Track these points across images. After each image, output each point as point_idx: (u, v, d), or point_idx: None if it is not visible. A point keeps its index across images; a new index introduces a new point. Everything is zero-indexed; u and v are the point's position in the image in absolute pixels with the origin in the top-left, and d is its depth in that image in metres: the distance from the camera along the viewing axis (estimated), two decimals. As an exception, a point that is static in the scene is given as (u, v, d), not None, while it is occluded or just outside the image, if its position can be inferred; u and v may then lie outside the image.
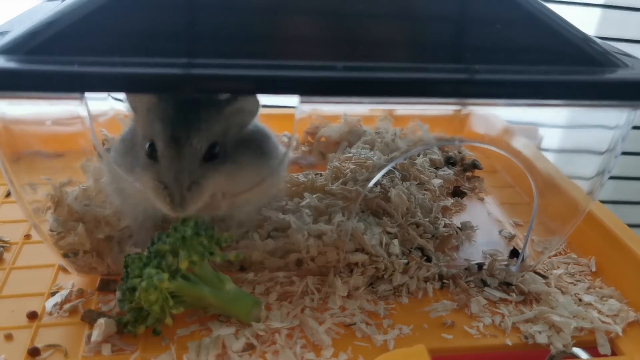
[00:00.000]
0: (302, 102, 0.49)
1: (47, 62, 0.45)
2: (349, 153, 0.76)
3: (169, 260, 0.52)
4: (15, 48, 0.46)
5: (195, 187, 0.52)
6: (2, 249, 0.65)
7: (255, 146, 0.59)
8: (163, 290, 0.51)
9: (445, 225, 0.71)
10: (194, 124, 0.53)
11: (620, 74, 0.52)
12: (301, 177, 0.70)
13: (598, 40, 0.55)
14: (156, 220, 0.59)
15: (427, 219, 0.70)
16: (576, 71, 0.51)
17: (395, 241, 0.63)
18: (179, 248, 0.52)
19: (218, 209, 0.58)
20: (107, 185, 0.60)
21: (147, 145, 0.53)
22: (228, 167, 0.55)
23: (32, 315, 0.55)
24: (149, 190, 0.53)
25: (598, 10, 1.09)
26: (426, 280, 0.63)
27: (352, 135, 0.85)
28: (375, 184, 0.71)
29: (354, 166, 0.70)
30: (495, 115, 0.68)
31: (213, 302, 0.54)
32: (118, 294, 0.55)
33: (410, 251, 0.65)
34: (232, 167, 0.55)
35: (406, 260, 0.63)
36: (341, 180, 0.68)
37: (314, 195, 0.65)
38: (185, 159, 0.52)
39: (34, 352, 0.51)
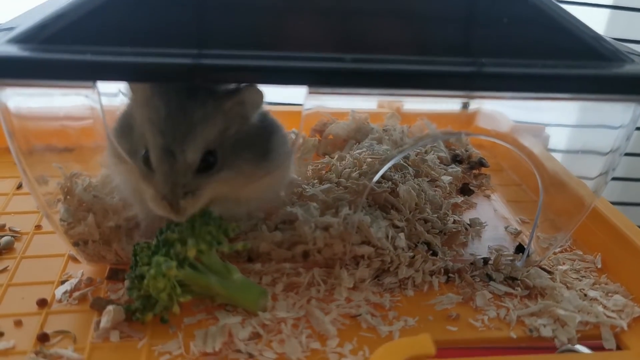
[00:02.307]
0: (310, 93, 0.50)
1: (60, 50, 0.46)
2: (362, 148, 0.76)
3: (177, 249, 0.53)
4: (28, 38, 0.47)
5: (191, 196, 0.52)
6: (13, 238, 0.66)
7: (258, 145, 0.57)
8: (171, 278, 0.52)
9: (454, 222, 0.72)
10: (187, 133, 0.51)
11: (627, 69, 0.52)
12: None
13: (609, 39, 0.56)
14: None
15: (436, 215, 0.70)
16: (584, 65, 0.52)
17: (402, 234, 0.64)
18: (187, 237, 0.53)
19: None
20: (113, 172, 0.60)
21: (142, 152, 0.53)
22: (224, 175, 0.54)
23: (42, 303, 0.56)
24: (147, 197, 0.53)
25: (607, 11, 1.09)
26: (432, 273, 0.63)
27: (359, 133, 0.85)
28: (387, 179, 0.71)
29: (371, 160, 0.70)
30: (503, 114, 0.68)
31: (220, 291, 0.55)
32: (127, 282, 0.55)
33: (416, 245, 0.65)
34: (229, 174, 0.54)
35: (412, 254, 0.63)
36: (358, 172, 0.69)
37: (320, 188, 0.65)
38: (179, 172, 0.52)
39: (43, 337, 0.52)
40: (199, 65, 0.47)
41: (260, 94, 0.55)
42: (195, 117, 0.52)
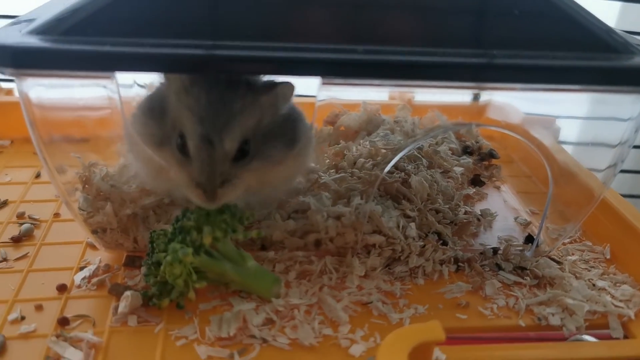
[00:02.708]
0: (323, 84, 0.51)
1: (79, 42, 0.47)
2: (376, 137, 0.77)
3: (193, 236, 0.54)
4: (48, 29, 0.48)
5: (227, 184, 0.53)
6: (32, 226, 0.68)
7: (286, 133, 0.57)
8: (187, 265, 0.53)
9: (465, 213, 0.72)
10: (227, 122, 0.52)
11: (638, 61, 0.52)
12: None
13: (619, 32, 0.56)
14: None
15: (448, 206, 0.71)
16: (594, 57, 0.52)
17: (412, 224, 0.65)
18: (203, 224, 0.54)
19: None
20: (134, 161, 0.61)
21: (177, 137, 0.53)
22: (258, 164, 0.55)
23: (62, 288, 0.58)
24: (181, 183, 0.54)
25: (618, 4, 1.09)
26: (442, 262, 0.64)
27: (370, 125, 0.86)
28: (400, 170, 0.72)
29: (384, 150, 0.71)
30: (513, 106, 0.69)
31: (235, 278, 0.56)
32: (143, 268, 0.57)
33: (427, 235, 0.66)
34: (262, 163, 0.55)
35: (423, 243, 0.64)
36: (371, 162, 0.70)
37: (332, 177, 0.66)
38: (217, 160, 0.52)
39: (63, 321, 0.53)
40: (213, 56, 0.48)
41: (292, 89, 0.55)
42: (235, 107, 0.52)
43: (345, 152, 0.75)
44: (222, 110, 0.52)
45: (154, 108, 0.56)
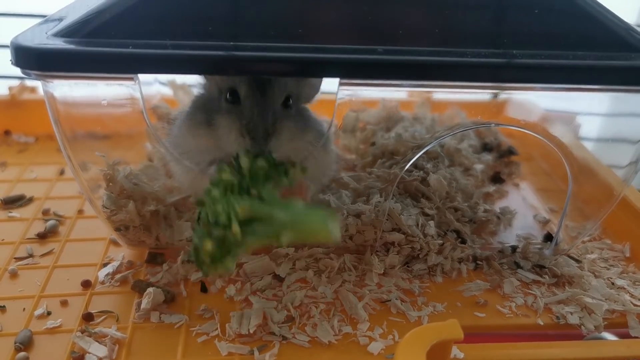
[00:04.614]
0: (341, 84, 0.51)
1: (103, 44, 0.48)
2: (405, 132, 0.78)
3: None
4: (73, 31, 0.49)
5: (278, 124, 0.54)
6: (57, 222, 0.69)
7: (313, 122, 0.61)
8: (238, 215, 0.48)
9: (484, 211, 0.72)
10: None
11: (658, 61, 0.52)
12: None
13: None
14: None
15: (467, 204, 0.71)
16: (614, 56, 0.52)
17: (431, 222, 0.65)
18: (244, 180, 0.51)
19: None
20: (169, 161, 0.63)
21: (227, 94, 0.56)
22: (299, 119, 0.58)
23: (86, 284, 0.59)
24: (228, 132, 0.55)
25: (638, 0, 1.08)
26: (460, 261, 0.64)
27: (390, 121, 0.86)
28: (419, 168, 0.72)
29: (404, 149, 0.72)
30: (532, 103, 0.68)
31: (285, 219, 0.48)
32: (197, 229, 0.51)
33: (445, 233, 0.66)
34: (302, 121, 0.58)
35: (441, 242, 0.64)
36: (389, 163, 0.70)
37: (350, 175, 0.67)
38: (268, 100, 0.55)
39: (88, 317, 0.55)
40: (234, 56, 0.48)
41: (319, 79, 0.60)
42: None
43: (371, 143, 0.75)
44: None
45: (195, 111, 0.61)
